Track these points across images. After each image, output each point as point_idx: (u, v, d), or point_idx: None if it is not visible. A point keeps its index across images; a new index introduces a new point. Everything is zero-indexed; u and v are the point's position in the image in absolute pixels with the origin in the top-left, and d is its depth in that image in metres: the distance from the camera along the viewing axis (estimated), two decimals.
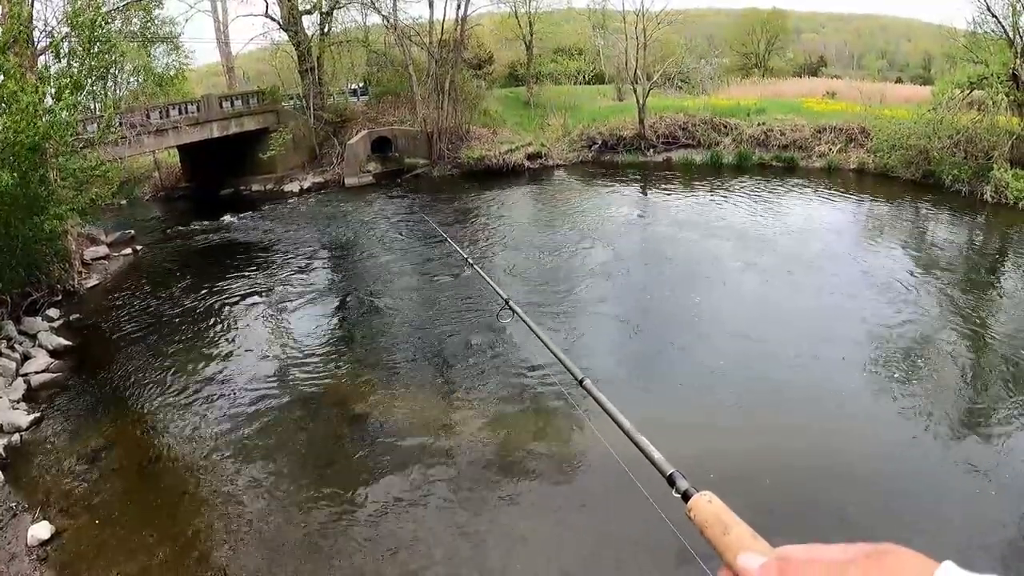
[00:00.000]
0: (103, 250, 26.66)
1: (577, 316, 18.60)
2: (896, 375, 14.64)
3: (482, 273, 5.70)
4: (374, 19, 46.06)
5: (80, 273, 23.71)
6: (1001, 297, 20.08)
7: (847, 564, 0.84)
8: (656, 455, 1.97)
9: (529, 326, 3.88)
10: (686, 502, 1.56)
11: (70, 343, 18.30)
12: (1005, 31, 31.09)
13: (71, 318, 20.22)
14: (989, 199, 29.23)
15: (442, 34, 41.46)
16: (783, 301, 19.02)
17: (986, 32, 32.47)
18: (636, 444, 2.11)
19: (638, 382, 15.05)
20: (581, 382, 2.83)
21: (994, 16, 31.29)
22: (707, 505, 1.45)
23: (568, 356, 3.16)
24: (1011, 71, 30.29)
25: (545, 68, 50.80)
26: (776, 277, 20.90)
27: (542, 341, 3.56)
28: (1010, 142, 29.85)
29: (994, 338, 16.73)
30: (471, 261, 6.38)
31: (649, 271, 22.44)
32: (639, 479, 2.58)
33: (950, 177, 31.00)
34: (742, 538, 1.25)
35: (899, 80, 66.67)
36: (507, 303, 4.60)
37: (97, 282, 23.70)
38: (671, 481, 1.78)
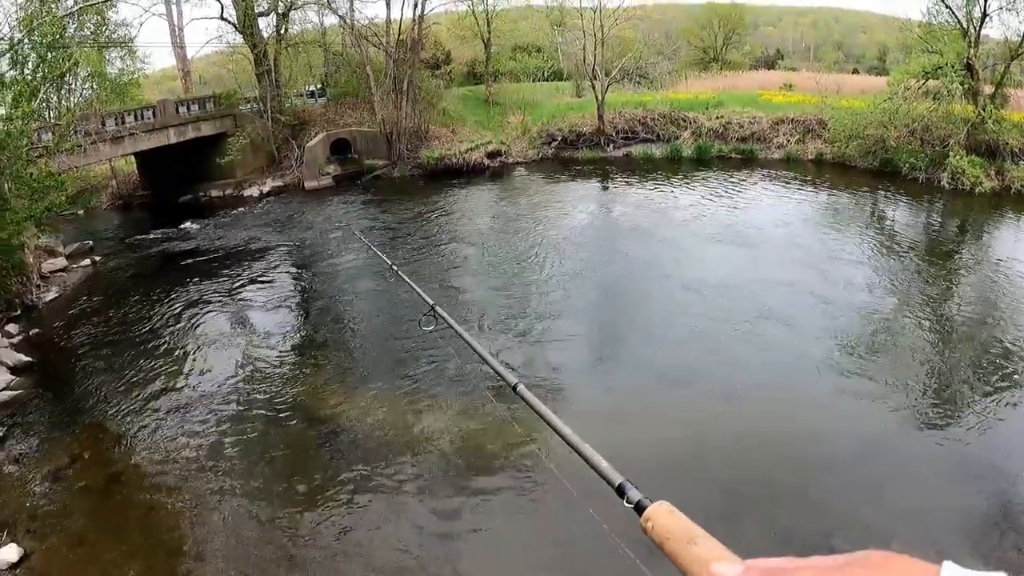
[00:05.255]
0: (61, 262, 26.19)
1: (539, 311, 18.67)
2: (861, 361, 14.93)
3: (408, 280, 5.49)
4: (331, 20, 45.72)
5: (38, 286, 23.29)
6: (959, 278, 20.59)
7: (845, 567, 0.81)
8: (603, 464, 1.84)
9: (458, 332, 3.68)
10: (640, 514, 1.47)
11: (30, 359, 17.98)
12: (959, 21, 31.75)
13: (31, 333, 19.86)
14: (946, 185, 29.86)
15: (399, 34, 41.23)
16: (744, 288, 19.19)
17: (940, 23, 33.07)
18: (578, 452, 1.96)
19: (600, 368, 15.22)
20: (515, 388, 2.64)
21: (948, 7, 31.94)
22: (668, 516, 1.37)
23: (500, 360, 3.03)
24: (965, 60, 30.86)
25: (504, 66, 50.71)
26: (737, 265, 21.15)
27: (472, 348, 3.35)
28: (965, 129, 30.53)
29: (954, 319, 17.19)
30: (396, 268, 6.15)
31: (611, 266, 22.55)
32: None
33: (907, 165, 31.66)
34: (713, 550, 1.18)
35: (855, 71, 67.47)
36: (433, 308, 4.36)
37: (56, 295, 23.28)
38: (621, 492, 1.67)
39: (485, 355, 3.17)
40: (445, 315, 4.21)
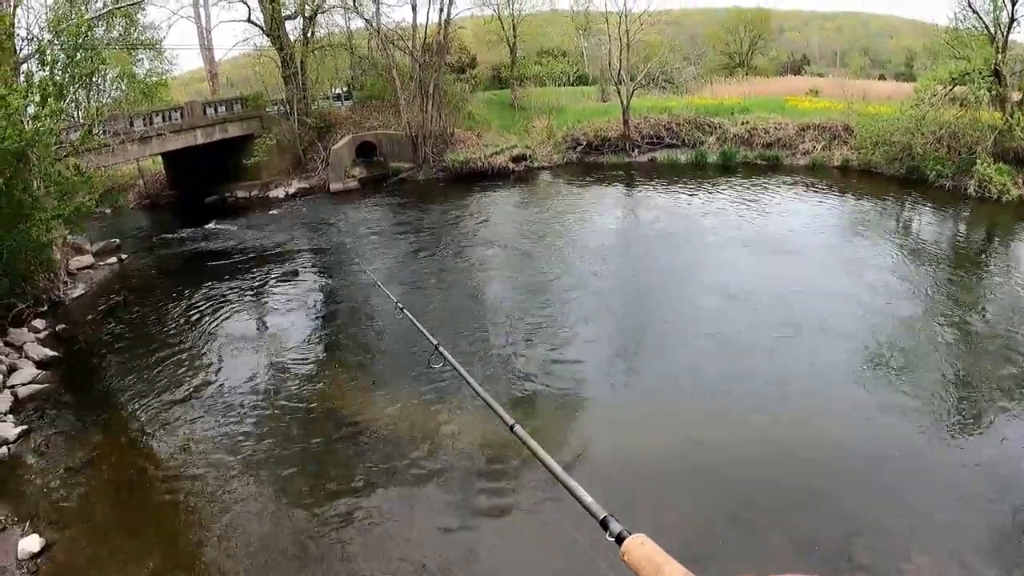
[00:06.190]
0: (88, 259, 26.52)
1: (566, 318, 18.64)
2: (888, 370, 14.77)
3: (414, 320, 5.69)
4: (357, 23, 46.00)
5: (65, 283, 23.55)
6: (988, 288, 20.24)
7: None
8: (587, 499, 1.97)
9: (460, 373, 3.84)
10: (620, 545, 1.59)
11: (57, 354, 18.18)
12: (986, 27, 31.34)
13: (57, 328, 20.05)
14: (973, 193, 29.46)
15: (425, 38, 41.41)
16: (773, 295, 19.02)
17: (968, 28, 32.69)
18: (567, 488, 2.10)
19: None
20: (512, 428, 2.77)
21: (975, 12, 31.57)
22: (640, 547, 1.50)
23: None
24: (993, 67, 30.52)
25: (529, 70, 50.74)
26: (764, 273, 21.00)
27: (472, 387, 3.47)
28: (992, 137, 30.13)
29: (983, 331, 16.88)
30: (402, 307, 6.39)
31: (638, 272, 22.43)
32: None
33: (934, 172, 31.30)
34: None
35: (882, 77, 66.99)
36: (437, 348, 4.53)
37: (83, 292, 23.52)
38: (604, 525, 1.78)
39: (485, 396, 3.26)
40: (448, 355, 4.37)
